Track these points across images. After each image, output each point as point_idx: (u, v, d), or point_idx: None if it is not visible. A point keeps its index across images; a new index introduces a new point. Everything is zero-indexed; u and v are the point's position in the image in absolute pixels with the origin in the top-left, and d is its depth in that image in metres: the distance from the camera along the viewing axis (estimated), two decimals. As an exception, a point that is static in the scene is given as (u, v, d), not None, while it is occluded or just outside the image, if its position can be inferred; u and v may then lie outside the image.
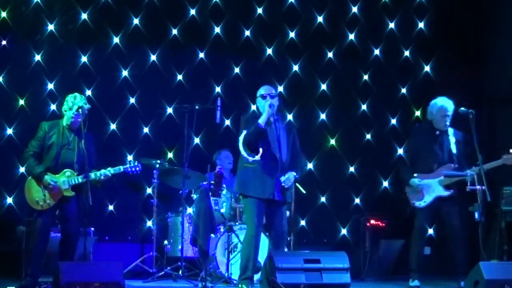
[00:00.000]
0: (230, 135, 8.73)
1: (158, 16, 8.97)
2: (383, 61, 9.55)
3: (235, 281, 7.15)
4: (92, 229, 7.87)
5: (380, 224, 8.58)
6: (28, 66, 8.57)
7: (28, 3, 8.61)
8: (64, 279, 5.85)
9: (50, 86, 8.60)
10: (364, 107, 9.45)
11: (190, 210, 7.95)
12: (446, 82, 9.31)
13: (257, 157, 6.58)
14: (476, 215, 6.78)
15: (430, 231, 8.88)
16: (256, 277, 6.84)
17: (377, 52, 9.54)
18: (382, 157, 9.09)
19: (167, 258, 7.91)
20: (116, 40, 8.85)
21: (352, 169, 9.35)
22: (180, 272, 7.58)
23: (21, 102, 8.51)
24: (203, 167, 7.56)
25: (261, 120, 6.56)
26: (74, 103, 6.76)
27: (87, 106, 6.83)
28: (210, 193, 7.40)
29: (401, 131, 9.35)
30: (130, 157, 8.57)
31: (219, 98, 7.47)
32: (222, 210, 7.82)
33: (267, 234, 6.92)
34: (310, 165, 9.21)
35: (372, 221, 8.58)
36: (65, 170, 6.71)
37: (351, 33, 9.48)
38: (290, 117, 9.07)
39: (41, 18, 8.63)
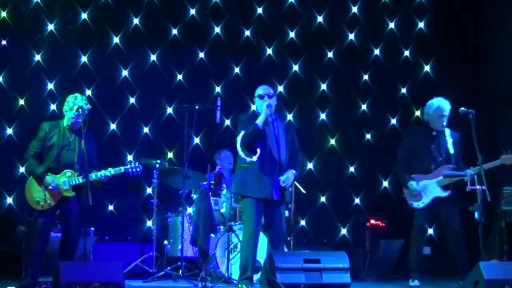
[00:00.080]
0: (230, 135, 8.71)
1: (158, 16, 8.97)
2: (383, 61, 9.55)
3: (235, 281, 7.15)
4: (92, 229, 7.88)
5: (380, 224, 8.58)
6: (28, 66, 8.57)
7: (28, 3, 8.61)
8: (64, 279, 5.85)
9: (50, 86, 8.60)
10: (364, 107, 9.45)
11: (190, 210, 7.95)
12: (446, 82, 9.31)
13: (254, 158, 6.57)
14: (476, 215, 6.78)
15: (430, 231, 8.88)
16: (256, 277, 6.84)
17: (377, 52, 9.54)
18: (382, 157, 9.08)
19: (167, 258, 7.91)
20: (116, 40, 8.85)
21: (352, 169, 9.35)
22: (180, 272, 7.58)
23: (21, 102, 8.51)
24: (203, 167, 7.55)
25: (259, 121, 6.55)
26: (75, 103, 6.76)
27: (88, 106, 6.83)
28: (210, 193, 7.40)
29: (401, 131, 9.34)
30: (130, 157, 8.58)
31: (219, 98, 7.46)
32: (222, 210, 7.82)
33: (267, 234, 6.92)
34: (310, 165, 9.22)
35: (372, 221, 8.58)
36: (65, 170, 6.71)
37: (351, 33, 9.49)
38: (290, 117, 9.08)
39: (41, 18, 8.64)
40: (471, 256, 7.08)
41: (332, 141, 9.34)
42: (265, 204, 6.62)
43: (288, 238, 7.44)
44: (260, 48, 9.26)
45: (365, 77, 9.49)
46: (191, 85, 8.98)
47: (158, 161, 7.85)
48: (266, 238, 6.93)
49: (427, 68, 9.65)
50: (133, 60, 8.88)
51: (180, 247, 7.67)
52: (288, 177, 6.59)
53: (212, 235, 7.42)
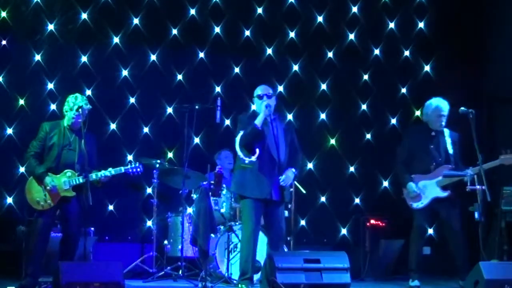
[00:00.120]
0: (230, 135, 8.70)
1: (158, 16, 8.97)
2: (383, 61, 9.55)
3: (235, 281, 7.14)
4: (92, 229, 7.88)
5: (380, 224, 8.58)
6: (28, 66, 8.57)
7: (28, 3, 8.61)
8: (64, 279, 5.85)
9: (50, 86, 8.60)
10: (364, 107, 9.45)
11: (190, 210, 7.95)
12: (446, 82, 9.31)
13: (254, 158, 6.57)
14: (476, 215, 6.78)
15: (430, 231, 8.87)
16: (256, 277, 6.84)
17: (377, 52, 9.54)
18: (382, 157, 9.08)
19: (167, 258, 7.91)
20: (116, 40, 8.85)
21: (352, 169, 9.35)
22: (180, 272, 7.58)
23: (21, 102, 8.51)
24: (203, 167, 7.56)
25: (258, 121, 6.55)
26: (75, 103, 6.76)
27: (88, 106, 6.83)
28: (210, 193, 7.40)
29: (401, 131, 9.33)
30: (130, 157, 8.58)
31: (219, 98, 7.46)
32: (222, 210, 7.82)
33: (267, 234, 6.91)
34: (310, 165, 9.22)
35: (372, 221, 8.58)
36: (66, 170, 6.71)
37: (351, 33, 9.48)
38: (290, 117, 9.08)
39: (41, 18, 8.64)
40: (471, 256, 7.08)
41: (332, 141, 9.34)
42: (264, 204, 6.62)
43: (288, 238, 7.44)
44: (260, 48, 9.26)
45: (365, 77, 9.49)
46: (191, 85, 8.98)
47: (158, 161, 7.85)
48: (266, 238, 6.93)
49: (427, 68, 9.65)
50: (133, 60, 8.88)
51: (180, 247, 7.67)
52: (288, 176, 6.59)
53: (212, 235, 7.42)
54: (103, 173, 6.75)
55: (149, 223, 8.62)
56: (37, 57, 8.60)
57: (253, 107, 6.99)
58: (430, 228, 8.77)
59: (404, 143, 7.56)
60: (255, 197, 6.57)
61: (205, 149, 8.89)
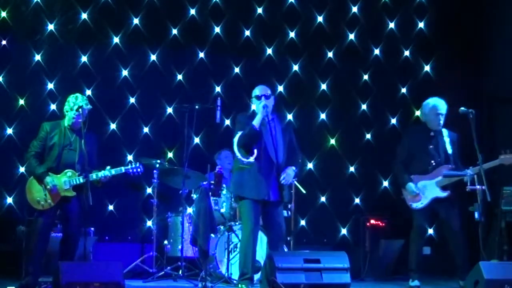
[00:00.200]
0: (230, 135, 8.64)
1: (158, 16, 8.98)
2: (383, 61, 9.55)
3: (235, 281, 7.14)
4: (92, 229, 7.88)
5: (380, 224, 8.58)
6: (28, 66, 8.57)
7: (28, 3, 8.61)
8: (64, 279, 5.85)
9: (50, 86, 8.60)
10: (364, 107, 9.45)
11: (190, 210, 7.95)
12: (446, 82, 9.31)
13: (252, 159, 6.57)
14: (476, 215, 6.77)
15: (430, 231, 8.88)
16: (256, 277, 6.84)
17: (377, 52, 9.54)
18: (382, 157, 9.08)
19: (167, 258, 7.91)
20: (116, 40, 8.85)
21: (352, 169, 9.35)
22: (180, 272, 7.58)
23: (21, 102, 8.51)
24: (203, 167, 7.56)
25: (255, 122, 6.54)
26: (75, 103, 6.76)
27: (88, 106, 6.82)
28: (210, 193, 7.40)
29: (401, 131, 9.33)
30: (130, 157, 8.58)
31: (219, 98, 7.47)
32: (222, 210, 7.82)
33: (267, 234, 6.91)
34: (310, 165, 9.22)
35: (372, 221, 8.58)
36: (66, 170, 6.71)
37: (351, 33, 9.49)
38: (290, 117, 9.09)
39: (41, 18, 8.64)
40: (471, 256, 7.08)
41: (332, 141, 9.34)
42: (262, 205, 6.61)
43: (288, 238, 7.44)
44: (260, 48, 9.26)
45: (365, 77, 9.49)
46: (191, 85, 8.99)
47: (158, 161, 7.85)
48: (266, 238, 6.93)
49: (427, 68, 9.65)
50: (133, 60, 8.88)
51: (180, 247, 7.68)
52: (288, 174, 6.58)
53: (212, 235, 7.42)
54: (103, 173, 6.76)
55: (149, 223, 8.62)
56: (37, 57, 8.60)
57: (253, 107, 6.98)
58: (430, 228, 8.77)
59: (403, 143, 7.56)
60: (253, 198, 6.57)
61: (205, 149, 8.89)
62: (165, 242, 8.11)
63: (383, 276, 8.39)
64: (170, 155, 8.85)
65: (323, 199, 9.23)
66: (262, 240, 7.07)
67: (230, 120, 8.93)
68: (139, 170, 6.98)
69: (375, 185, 9.39)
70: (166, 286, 7.31)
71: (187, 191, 7.91)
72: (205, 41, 9.11)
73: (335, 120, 9.36)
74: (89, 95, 8.51)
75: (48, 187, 6.61)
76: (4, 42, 8.51)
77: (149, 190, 8.62)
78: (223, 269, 7.39)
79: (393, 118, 9.53)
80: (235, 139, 6.62)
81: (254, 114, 6.69)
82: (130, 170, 6.93)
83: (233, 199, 7.73)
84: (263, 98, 6.67)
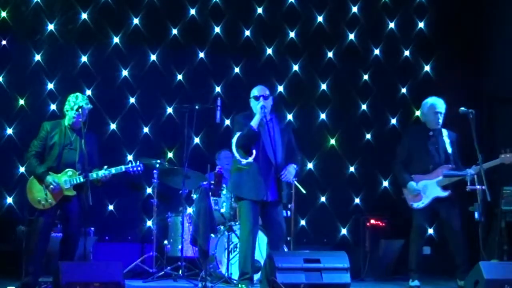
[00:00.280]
0: (230, 135, 8.66)
1: (158, 16, 8.97)
2: (383, 61, 9.55)
3: (235, 281, 7.15)
4: (92, 229, 7.88)
5: (380, 224, 8.58)
6: (28, 66, 8.57)
7: (28, 3, 8.61)
8: (64, 279, 5.85)
9: (50, 86, 8.61)
10: (364, 107, 9.45)
11: (190, 210, 7.95)
12: (446, 82, 9.31)
13: (250, 159, 6.57)
14: (476, 215, 6.78)
15: (430, 231, 8.88)
16: (256, 277, 6.84)
17: (377, 52, 9.54)
18: (382, 157, 9.08)
19: (167, 258, 7.91)
20: (116, 40, 8.85)
21: (352, 169, 9.35)
22: (180, 272, 7.59)
23: (21, 102, 8.51)
24: (203, 167, 7.56)
25: (254, 122, 6.54)
26: (76, 103, 6.76)
27: (89, 106, 6.83)
28: (210, 193, 7.40)
29: (401, 131, 9.33)
30: (130, 157, 8.58)
31: (219, 98, 7.47)
32: (222, 210, 7.82)
33: (267, 234, 6.91)
34: (310, 165, 9.21)
35: (372, 221, 8.58)
36: (67, 169, 6.71)
37: (351, 33, 9.48)
38: (290, 117, 9.09)
39: (41, 18, 8.64)
40: (471, 256, 7.08)
41: (332, 141, 9.34)
42: (261, 205, 6.62)
43: (288, 238, 7.44)
44: (260, 48, 9.26)
45: (365, 77, 9.49)
46: (191, 85, 8.99)
47: (158, 161, 7.85)
48: (266, 238, 6.93)
49: (427, 68, 9.64)
50: (133, 60, 8.88)
51: (180, 247, 7.68)
52: (289, 171, 6.59)
53: (212, 235, 7.42)
54: (103, 172, 6.75)
55: (149, 223, 8.62)
56: (37, 57, 8.60)
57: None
58: (430, 228, 8.77)
59: (403, 143, 7.56)
60: (251, 198, 6.57)
61: (205, 149, 8.89)
62: (165, 242, 8.11)
63: (383, 276, 8.39)
64: (170, 155, 8.85)
65: (323, 199, 9.23)
66: (262, 240, 7.07)
67: (230, 120, 8.93)
68: (139, 168, 6.98)
69: (375, 185, 9.39)
70: (166, 286, 7.31)
71: (187, 191, 7.91)
72: (205, 41, 9.11)
73: (335, 120, 9.36)
74: (89, 95, 8.51)
75: (51, 186, 6.61)
76: (4, 42, 8.51)
77: (149, 190, 8.62)
78: (223, 269, 7.39)
79: (393, 118, 9.53)
80: (234, 140, 6.63)
81: (252, 114, 6.69)
82: (131, 169, 6.93)
83: (233, 199, 7.73)
84: (261, 98, 6.67)
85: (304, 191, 7.59)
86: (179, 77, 8.99)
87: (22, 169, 8.33)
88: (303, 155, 8.64)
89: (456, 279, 7.22)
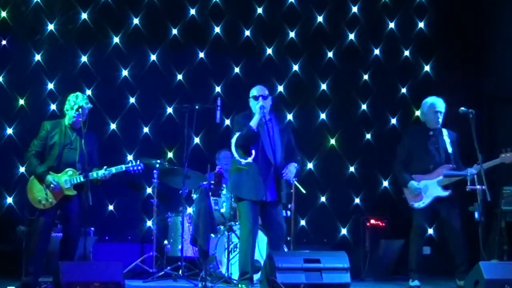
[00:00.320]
0: (230, 135, 8.69)
1: (158, 16, 8.98)
2: (383, 61, 9.55)
3: (235, 281, 7.15)
4: (92, 229, 7.88)
5: (380, 224, 8.58)
6: (28, 66, 8.58)
7: (28, 3, 8.61)
8: (64, 279, 5.85)
9: (50, 86, 8.61)
10: (364, 107, 9.45)
11: (190, 210, 7.95)
12: (446, 82, 9.31)
13: (250, 159, 6.57)
14: (476, 215, 6.78)
15: (430, 231, 8.88)
16: (256, 277, 6.84)
17: (377, 52, 9.54)
18: (382, 157, 9.08)
19: (167, 258, 7.91)
20: (116, 40, 8.85)
21: (352, 169, 9.35)
22: (180, 272, 7.59)
23: (21, 102, 8.51)
24: (203, 167, 7.56)
25: (253, 123, 6.54)
26: (76, 103, 6.76)
27: (89, 105, 6.83)
28: (210, 193, 7.40)
29: (401, 131, 9.33)
30: (130, 157, 8.57)
31: (219, 98, 7.47)
32: (222, 210, 7.82)
33: (267, 234, 6.91)
34: (310, 165, 9.21)
35: (372, 221, 8.58)
36: (67, 169, 6.71)
37: (351, 33, 9.49)
38: (290, 117, 9.09)
39: (41, 18, 8.64)
40: (471, 256, 7.08)
41: (332, 141, 9.34)
42: (260, 205, 6.62)
43: (288, 238, 7.44)
44: (260, 48, 9.26)
45: (365, 77, 9.49)
46: (191, 85, 8.99)
47: (158, 161, 7.85)
48: (266, 238, 6.93)
49: (427, 68, 9.65)
50: (133, 60, 8.88)
51: (180, 247, 7.68)
52: (290, 170, 6.59)
53: (212, 235, 7.42)
54: (103, 172, 6.75)
55: (149, 223, 8.62)
56: (37, 57, 8.60)
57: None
58: (430, 228, 8.77)
59: (403, 143, 7.56)
60: (251, 199, 6.57)
61: (205, 149, 8.90)
62: (165, 242, 8.11)
63: (383, 276, 8.39)
64: (170, 155, 8.85)
65: (323, 199, 9.23)
66: (262, 240, 7.07)
67: (230, 120, 8.93)
68: (139, 168, 6.98)
69: (375, 185, 9.39)
70: (166, 286, 7.31)
71: (187, 191, 7.92)
72: (205, 41, 9.11)
73: (335, 120, 9.36)
74: (89, 95, 8.51)
75: (52, 185, 6.61)
76: (4, 42, 8.52)
77: (149, 190, 8.63)
78: (223, 269, 7.39)
79: (393, 118, 9.53)
80: (233, 140, 6.62)
81: (251, 114, 6.69)
82: (131, 168, 6.94)
83: (233, 199, 7.73)
84: (260, 98, 6.66)
85: (304, 191, 7.59)
86: (179, 77, 8.99)
87: (22, 169, 8.33)
88: (303, 155, 8.63)
89: (456, 279, 7.23)
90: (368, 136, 9.44)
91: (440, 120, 7.38)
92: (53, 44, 8.64)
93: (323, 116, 9.35)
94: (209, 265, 7.42)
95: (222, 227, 7.57)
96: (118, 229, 8.65)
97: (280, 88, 9.22)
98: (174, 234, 8.01)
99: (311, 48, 9.39)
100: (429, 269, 8.25)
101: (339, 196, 9.26)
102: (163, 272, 7.63)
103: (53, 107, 8.53)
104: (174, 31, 9.01)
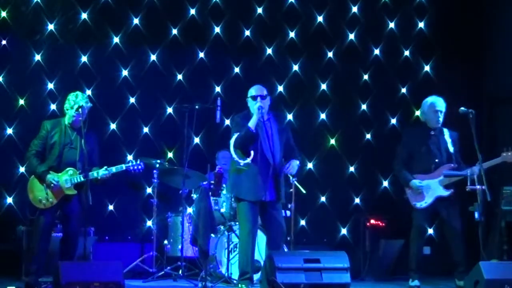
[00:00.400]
0: (229, 135, 8.71)
1: (158, 16, 8.97)
2: (383, 61, 9.54)
3: (235, 281, 7.15)
4: (92, 229, 7.89)
5: (380, 224, 8.58)
6: (28, 66, 8.57)
7: (28, 3, 8.61)
8: (64, 279, 5.86)
9: (50, 86, 8.60)
10: (364, 107, 9.45)
11: (190, 210, 7.95)
12: (446, 82, 9.31)
13: (248, 160, 6.57)
14: (476, 215, 6.78)
15: (430, 231, 8.88)
16: (256, 277, 6.84)
17: (377, 52, 9.54)
18: (382, 157, 9.07)
19: (167, 258, 7.91)
20: (116, 40, 8.85)
21: (352, 169, 9.35)
22: (180, 272, 7.59)
23: (21, 102, 8.51)
24: (203, 167, 7.56)
25: (251, 123, 6.54)
26: (76, 102, 6.76)
27: (88, 105, 6.83)
28: (210, 193, 7.40)
29: (401, 131, 9.31)
30: (130, 157, 8.57)
31: (219, 98, 7.48)
32: (222, 210, 7.81)
33: (266, 233, 6.91)
34: (310, 165, 9.21)
35: (372, 221, 8.58)
36: (67, 168, 6.71)
37: (351, 33, 9.48)
38: (290, 117, 9.09)
39: (41, 18, 8.64)
40: (471, 256, 7.08)
41: (332, 141, 9.34)
42: (260, 205, 6.62)
43: (288, 238, 7.44)
44: (260, 48, 9.25)
45: (365, 77, 9.49)
46: (191, 85, 8.98)
47: (158, 161, 7.85)
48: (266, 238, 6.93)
49: (427, 68, 9.64)
50: (133, 60, 8.88)
51: (180, 247, 7.68)
52: (292, 166, 6.59)
53: (212, 235, 7.42)
54: (104, 171, 6.75)
55: (149, 223, 8.62)
56: (37, 57, 8.60)
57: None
58: (430, 228, 8.77)
59: (403, 143, 7.56)
60: (250, 199, 6.57)
61: (205, 149, 8.89)
62: (165, 242, 8.11)
63: (383, 276, 8.39)
64: (170, 155, 8.84)
65: (323, 199, 9.23)
66: (262, 240, 7.07)
67: (230, 120, 8.92)
68: (139, 167, 6.99)
69: (375, 185, 9.39)
70: (166, 286, 7.31)
71: (187, 191, 7.92)
72: (205, 41, 9.10)
73: (335, 120, 9.36)
74: (89, 95, 8.51)
75: (53, 185, 6.61)
76: (4, 42, 8.51)
77: (149, 190, 8.62)
78: (223, 269, 7.39)
79: (393, 118, 9.53)
80: (232, 141, 6.62)
81: (250, 114, 6.68)
82: (131, 167, 6.94)
83: (233, 199, 7.73)
84: (258, 98, 6.66)
85: (304, 191, 7.60)
86: (179, 77, 8.99)
87: (22, 169, 8.33)
88: (303, 155, 8.63)
89: (455, 279, 7.24)
90: (368, 136, 9.44)
91: (441, 119, 7.38)
92: (53, 44, 8.64)
93: (323, 116, 9.35)
94: (209, 265, 7.42)
95: (222, 227, 7.57)
96: (118, 229, 8.64)
97: (280, 88, 9.22)
98: (174, 234, 8.01)
99: (311, 48, 9.38)
100: (429, 269, 8.25)
101: (339, 196, 9.25)
102: (163, 272, 7.63)
103: (53, 107, 8.53)
104: (174, 31, 9.01)
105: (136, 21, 8.91)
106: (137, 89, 8.86)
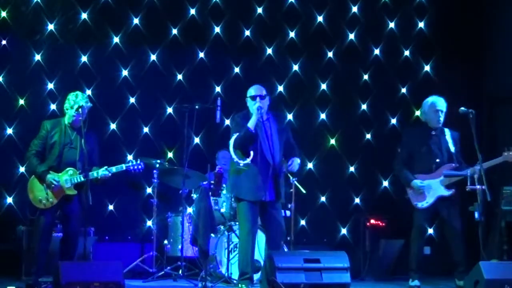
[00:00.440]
0: (229, 135, 8.71)
1: (158, 16, 8.97)
2: (383, 61, 9.55)
3: (235, 281, 7.15)
4: (92, 229, 7.89)
5: (380, 224, 8.58)
6: (28, 66, 8.57)
7: (28, 3, 8.61)
8: (64, 278, 5.85)
9: (50, 85, 8.61)
10: (364, 107, 9.45)
11: (190, 210, 7.95)
12: (446, 82, 9.31)
13: (248, 160, 6.57)
14: (476, 215, 6.78)
15: (430, 231, 8.88)
16: (256, 277, 6.84)
17: (377, 52, 9.54)
18: (382, 157, 9.08)
19: (167, 257, 7.91)
20: (116, 40, 8.85)
21: (352, 169, 9.35)
22: (180, 272, 7.58)
23: (21, 102, 8.51)
24: (203, 167, 7.56)
25: (251, 124, 6.54)
26: (76, 102, 6.76)
27: (88, 104, 6.83)
28: (210, 193, 7.40)
29: (401, 131, 9.32)
30: (130, 157, 8.57)
31: (219, 98, 7.48)
32: (222, 210, 7.81)
33: (266, 233, 6.91)
34: (310, 165, 9.21)
35: (372, 221, 8.58)
36: (67, 168, 6.71)
37: (351, 33, 9.48)
38: (290, 117, 9.09)
39: (41, 18, 8.64)
40: (471, 256, 7.08)
41: (332, 141, 9.34)
42: (260, 205, 6.62)
43: (288, 238, 7.44)
44: (260, 48, 9.26)
45: (365, 77, 9.49)
46: (191, 85, 8.98)
47: (158, 161, 7.84)
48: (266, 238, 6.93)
49: (427, 68, 9.64)
50: (133, 60, 8.88)
51: (180, 247, 7.68)
52: (294, 164, 6.59)
53: (212, 235, 7.42)
54: (104, 171, 6.74)
55: (149, 223, 8.62)
56: (37, 57, 8.60)
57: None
58: (430, 228, 8.77)
59: (404, 143, 7.56)
60: (249, 199, 6.57)
61: (205, 149, 8.89)
62: (165, 242, 8.11)
63: (383, 276, 8.39)
64: (170, 155, 8.84)
65: (323, 199, 9.23)
66: (261, 240, 7.07)
67: (230, 120, 8.92)
68: (140, 167, 6.99)
69: (375, 185, 9.39)
70: (166, 286, 7.31)
71: (187, 191, 7.92)
72: (205, 41, 9.10)
73: (335, 120, 9.36)
74: (89, 95, 8.51)
75: (53, 184, 6.61)
76: (4, 42, 8.51)
77: (149, 190, 8.63)
78: (223, 269, 7.39)
79: (393, 118, 9.53)
80: (231, 141, 6.62)
81: (249, 114, 6.68)
82: (131, 167, 6.94)
83: (233, 199, 7.73)
84: (258, 98, 6.65)
85: (304, 191, 7.60)
86: (179, 77, 8.99)
87: (22, 169, 8.33)
88: (303, 155, 8.63)
89: (455, 279, 7.24)
90: (368, 136, 9.44)
91: (441, 119, 7.38)
92: (53, 44, 8.64)
93: (323, 116, 9.35)
94: (209, 265, 7.42)
95: (222, 227, 7.57)
96: (118, 229, 8.65)
97: (280, 88, 9.22)
98: (174, 234, 8.01)
99: (311, 48, 9.38)
100: (429, 269, 8.25)
101: (339, 196, 9.25)
102: (163, 272, 7.63)
103: (53, 107, 8.53)
104: (174, 31, 9.01)
105: (136, 21, 8.92)
106: (137, 89, 8.86)
